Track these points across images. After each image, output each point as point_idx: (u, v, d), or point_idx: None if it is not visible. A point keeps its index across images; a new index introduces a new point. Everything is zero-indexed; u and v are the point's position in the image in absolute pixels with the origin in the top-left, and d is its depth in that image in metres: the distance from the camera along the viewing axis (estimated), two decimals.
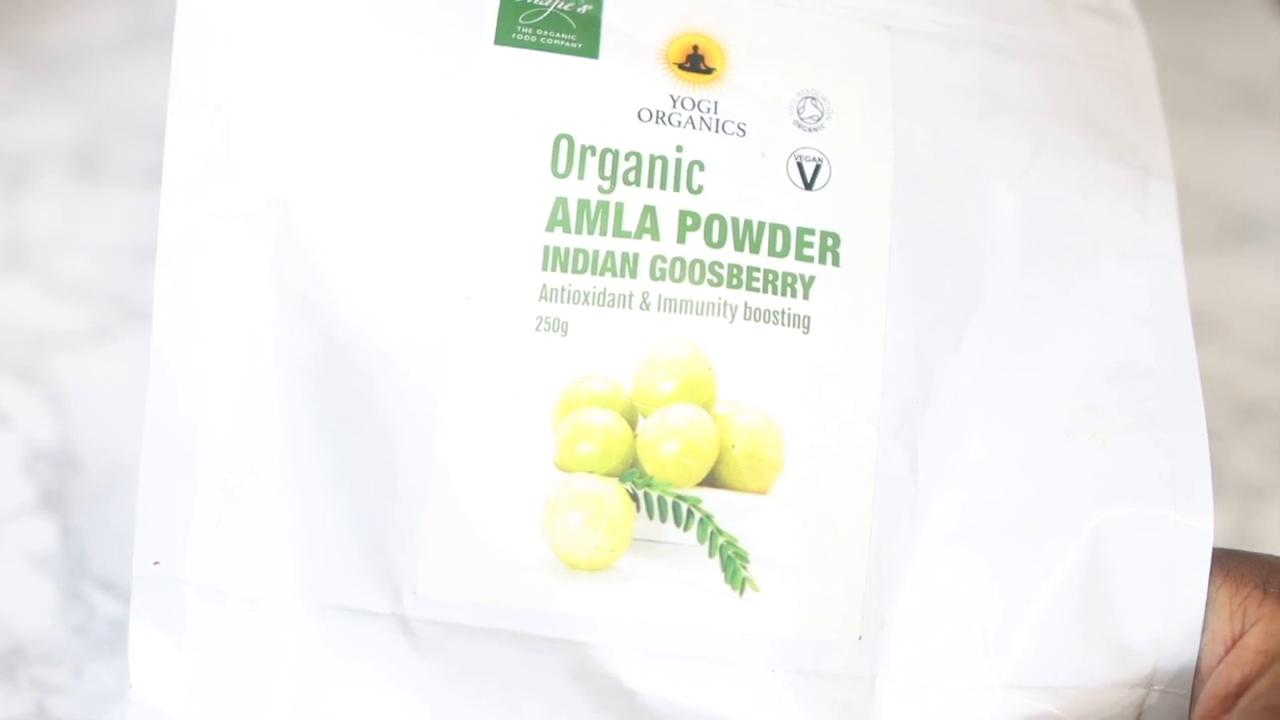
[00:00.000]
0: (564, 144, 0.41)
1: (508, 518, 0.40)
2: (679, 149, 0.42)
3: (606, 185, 0.41)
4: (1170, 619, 0.40)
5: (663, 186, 0.41)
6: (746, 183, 0.41)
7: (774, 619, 0.40)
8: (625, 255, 0.41)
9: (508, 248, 0.41)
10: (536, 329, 0.40)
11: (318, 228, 0.41)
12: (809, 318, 0.41)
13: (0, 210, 0.58)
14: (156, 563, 0.39)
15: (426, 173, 0.41)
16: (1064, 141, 0.44)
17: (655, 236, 0.41)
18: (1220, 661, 0.39)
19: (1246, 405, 0.59)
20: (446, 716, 0.39)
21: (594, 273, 0.41)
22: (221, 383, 0.40)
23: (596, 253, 0.41)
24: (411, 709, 0.39)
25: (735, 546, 0.40)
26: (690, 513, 0.40)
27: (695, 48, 0.43)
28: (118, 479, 0.51)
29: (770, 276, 0.41)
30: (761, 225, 0.41)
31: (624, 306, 0.40)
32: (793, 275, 0.41)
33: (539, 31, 0.42)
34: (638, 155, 0.41)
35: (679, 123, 0.42)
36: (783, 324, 0.41)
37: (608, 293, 0.41)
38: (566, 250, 0.41)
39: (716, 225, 0.41)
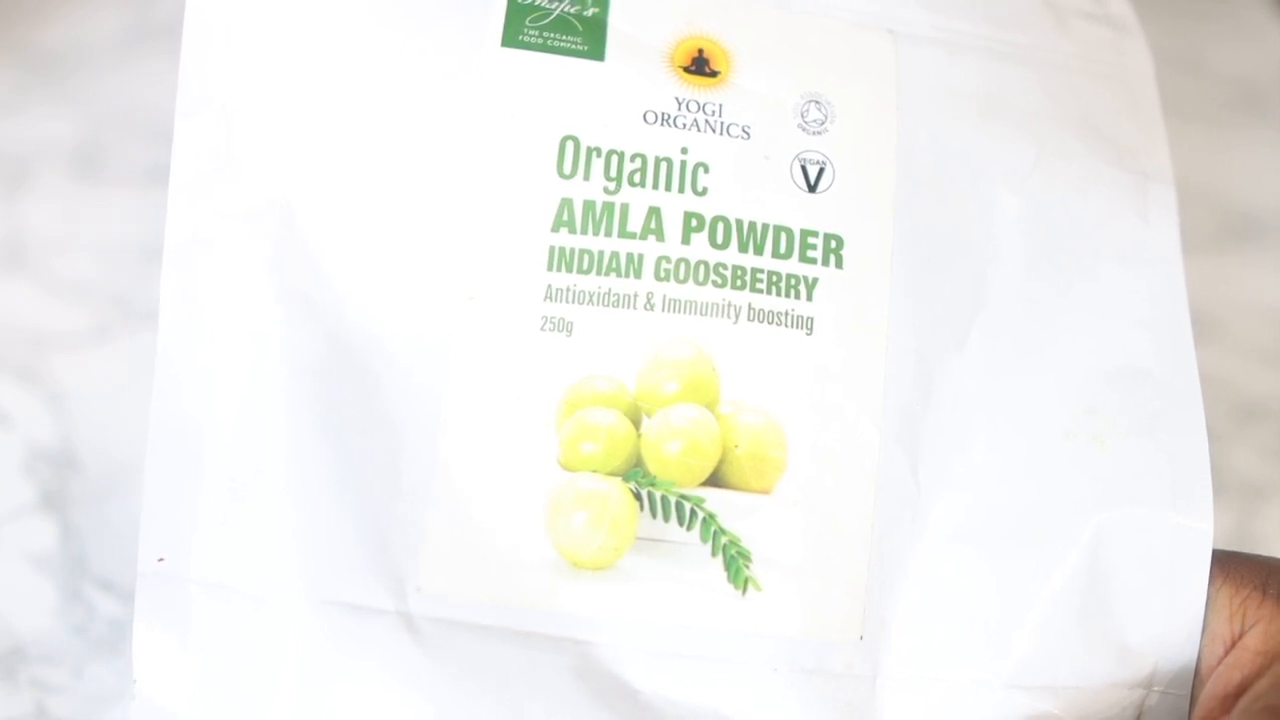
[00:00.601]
0: (569, 145, 0.41)
1: (511, 516, 0.40)
2: (684, 151, 0.42)
3: (612, 186, 0.41)
4: (1170, 620, 0.40)
5: (668, 188, 0.41)
6: (751, 185, 0.42)
7: (776, 618, 0.40)
8: (630, 256, 0.41)
9: (513, 248, 0.41)
10: (541, 329, 0.41)
11: (323, 228, 0.41)
12: (812, 319, 0.41)
13: (0, 210, 0.58)
14: (161, 559, 0.39)
15: (432, 173, 0.41)
16: (1065, 146, 0.44)
17: (660, 237, 0.41)
18: (1220, 662, 0.40)
19: (1246, 405, 0.59)
20: (450, 714, 0.39)
21: (599, 273, 0.41)
22: (226, 382, 0.40)
23: (601, 253, 0.41)
24: (415, 706, 0.39)
25: (738, 546, 0.40)
26: (693, 512, 0.40)
27: (700, 51, 0.43)
28: (118, 479, 0.51)
29: (774, 278, 0.41)
30: (765, 227, 0.42)
31: (628, 307, 0.41)
32: (796, 277, 0.41)
33: (545, 34, 0.42)
34: (643, 157, 0.42)
35: (684, 125, 0.42)
36: (786, 325, 0.41)
37: (612, 293, 0.41)
38: (571, 251, 0.41)
39: (721, 227, 0.41)
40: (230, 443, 0.40)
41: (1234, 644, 0.39)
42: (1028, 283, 0.42)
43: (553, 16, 0.42)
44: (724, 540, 0.40)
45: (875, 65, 0.44)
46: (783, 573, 0.40)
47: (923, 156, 0.43)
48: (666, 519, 0.40)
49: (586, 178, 0.41)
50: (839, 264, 0.42)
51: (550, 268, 0.41)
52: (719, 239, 0.41)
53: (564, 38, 0.42)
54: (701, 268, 0.41)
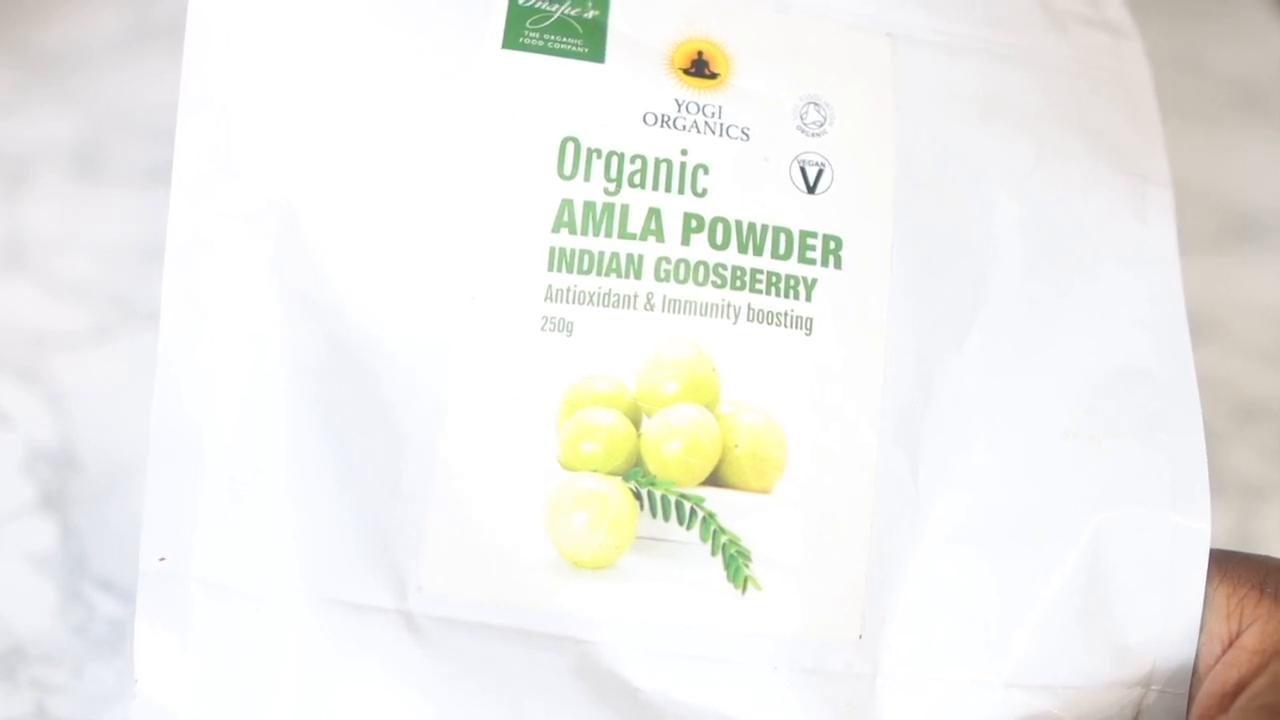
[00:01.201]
0: (570, 147, 0.42)
1: (512, 516, 0.40)
2: (684, 152, 0.42)
3: (612, 187, 0.41)
4: (1168, 619, 0.40)
5: (667, 189, 0.42)
6: (750, 186, 0.42)
7: (776, 618, 0.40)
8: (630, 256, 0.41)
9: (513, 248, 0.41)
10: (541, 329, 0.41)
11: (324, 228, 0.41)
12: (811, 319, 0.41)
13: (0, 210, 0.58)
14: (162, 559, 0.39)
15: (432, 174, 0.41)
16: (1064, 148, 0.44)
17: (660, 238, 0.41)
18: (1217, 661, 0.40)
19: (1246, 405, 0.59)
20: (450, 713, 0.39)
21: (599, 274, 0.41)
22: (227, 382, 0.40)
23: (601, 254, 0.41)
24: (415, 705, 0.39)
25: (738, 545, 0.40)
26: (693, 512, 0.40)
27: (700, 53, 0.43)
28: (118, 479, 0.51)
29: (773, 278, 0.41)
30: (765, 228, 0.42)
31: (628, 307, 0.41)
32: (795, 278, 0.41)
33: (546, 36, 0.42)
34: (643, 158, 0.42)
35: (684, 126, 0.42)
36: (785, 325, 0.41)
37: (612, 293, 0.41)
38: (572, 251, 0.41)
39: (720, 228, 0.42)
40: (231, 442, 0.40)
41: (1231, 643, 0.40)
42: (1027, 283, 0.43)
43: (553, 18, 0.43)
44: (724, 540, 0.40)
45: (874, 67, 0.44)
46: (782, 572, 0.40)
47: (922, 157, 0.43)
48: (666, 518, 0.40)
49: (587, 179, 0.41)
50: (838, 265, 0.42)
51: (551, 268, 0.41)
52: (719, 240, 0.41)
53: (564, 39, 0.42)
54: (701, 268, 0.41)
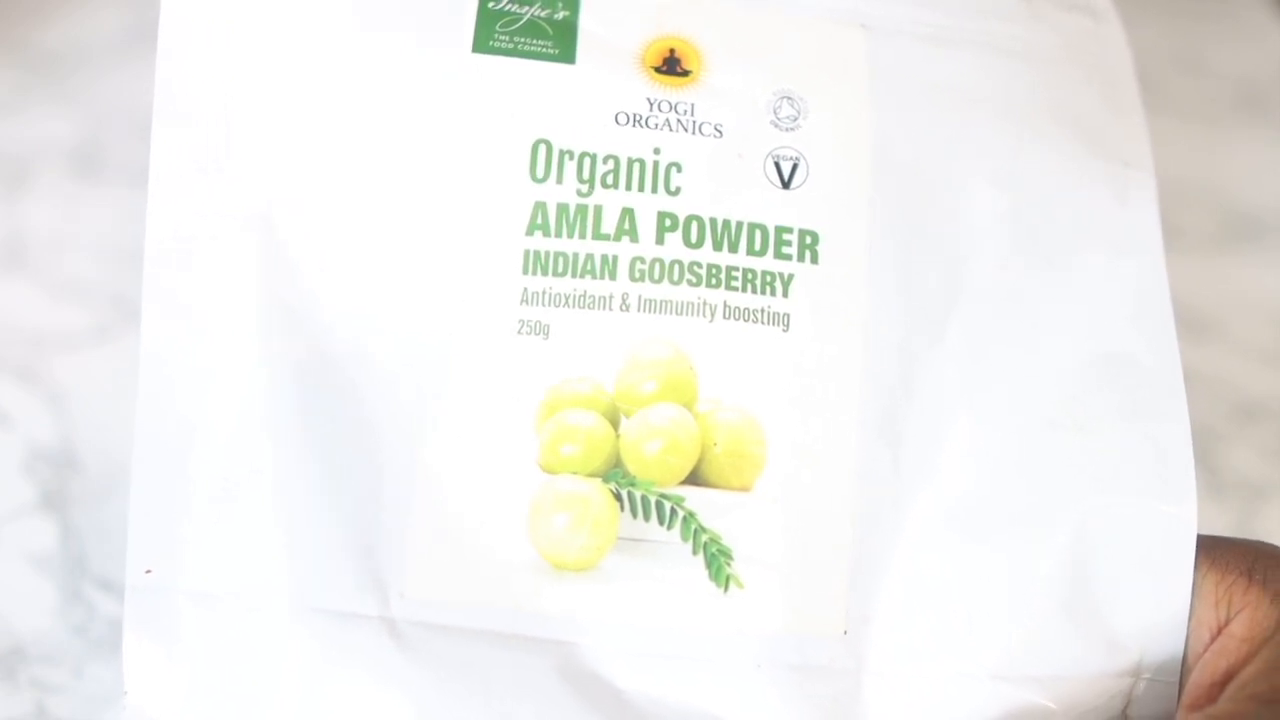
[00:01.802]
0: (542, 149, 0.42)
1: (493, 520, 0.40)
2: (656, 151, 0.42)
3: (585, 189, 0.41)
4: (1157, 607, 0.40)
5: (640, 189, 0.42)
6: (724, 183, 0.42)
7: (759, 615, 0.40)
8: (605, 257, 0.41)
9: (489, 252, 0.41)
10: (518, 332, 0.41)
11: (300, 235, 0.41)
12: (788, 315, 0.41)
13: (0, 210, 0.58)
14: (148, 571, 0.40)
15: (406, 180, 0.41)
16: (1043, 136, 0.44)
17: (634, 238, 0.41)
18: (1206, 649, 0.39)
19: (1246, 405, 0.59)
20: (436, 717, 0.39)
21: (574, 275, 0.41)
22: (208, 394, 0.40)
23: (576, 255, 0.41)
24: (402, 711, 0.39)
25: (719, 544, 0.40)
26: (674, 511, 0.40)
27: (672, 51, 0.43)
28: (118, 479, 0.50)
29: (749, 275, 0.41)
30: (739, 225, 0.42)
31: (604, 308, 0.41)
32: (771, 274, 0.41)
33: (516, 39, 0.42)
34: (615, 158, 0.42)
35: (656, 125, 0.42)
36: (762, 322, 0.41)
37: (588, 295, 0.41)
38: (546, 254, 0.41)
39: (694, 226, 0.41)
40: (214, 453, 0.40)
41: (1220, 630, 0.39)
42: (1009, 272, 0.42)
43: (523, 21, 0.43)
44: (704, 538, 0.40)
45: (848, 59, 0.44)
46: (764, 569, 0.40)
47: (899, 149, 0.43)
48: (647, 519, 0.40)
49: (559, 181, 0.41)
50: (814, 259, 0.42)
51: (526, 271, 0.41)
52: (693, 238, 0.41)
53: (534, 42, 0.42)
54: (676, 267, 0.41)
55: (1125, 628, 0.40)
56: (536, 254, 0.41)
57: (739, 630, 0.40)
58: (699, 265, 0.41)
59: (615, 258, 0.41)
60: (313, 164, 0.41)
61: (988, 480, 0.41)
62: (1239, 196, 0.66)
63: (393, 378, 0.40)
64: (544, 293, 0.41)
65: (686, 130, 0.42)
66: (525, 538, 0.40)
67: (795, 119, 0.43)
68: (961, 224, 0.43)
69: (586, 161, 0.42)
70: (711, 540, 0.40)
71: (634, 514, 0.40)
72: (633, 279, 0.41)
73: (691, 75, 0.43)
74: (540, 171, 0.41)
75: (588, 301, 0.41)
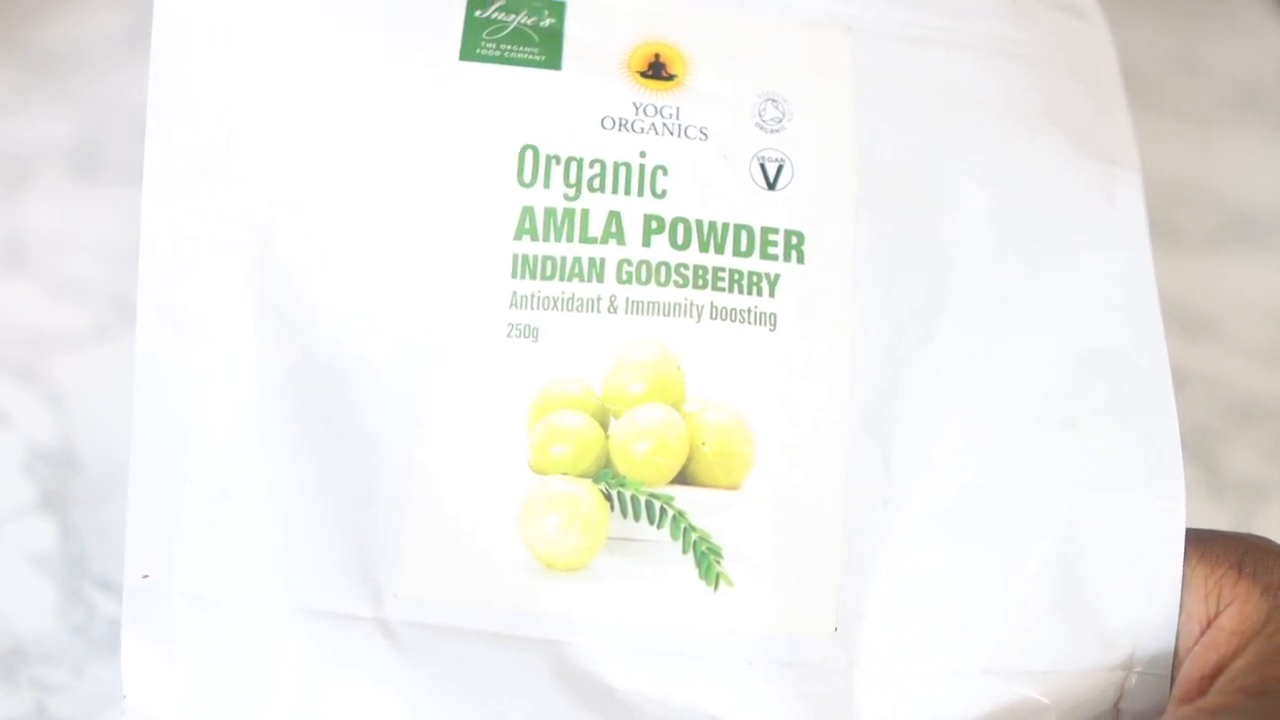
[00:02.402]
0: (529, 154, 0.42)
1: (486, 521, 0.40)
2: (642, 155, 0.42)
3: (572, 193, 0.42)
4: (1147, 601, 0.40)
5: (627, 192, 0.42)
6: (710, 185, 0.42)
7: (749, 613, 0.40)
8: (592, 260, 0.41)
9: (478, 257, 0.41)
10: (508, 335, 0.41)
11: (293, 239, 0.41)
12: (775, 315, 0.41)
13: (0, 210, 0.58)
14: (146, 575, 0.40)
15: (395, 187, 0.42)
16: (1030, 135, 0.44)
17: (621, 241, 0.42)
18: (1196, 642, 0.39)
19: (1246, 405, 0.59)
20: (431, 717, 0.39)
21: (562, 278, 0.41)
22: (205, 395, 0.41)
23: (564, 259, 0.41)
24: (396, 710, 0.39)
25: (709, 542, 0.40)
26: (663, 510, 0.40)
27: (657, 55, 0.43)
28: (118, 479, 0.50)
29: (735, 276, 0.42)
30: (725, 226, 0.42)
31: (592, 310, 0.41)
32: (758, 274, 0.42)
33: (503, 46, 0.43)
34: (602, 163, 0.42)
35: (642, 129, 0.42)
36: (749, 322, 0.41)
37: (576, 297, 0.41)
38: (534, 258, 0.41)
39: (681, 228, 0.42)
40: (209, 456, 0.40)
41: (1210, 624, 0.39)
42: (996, 270, 0.43)
43: (510, 28, 0.43)
44: (694, 537, 0.40)
45: (832, 61, 0.44)
46: (754, 568, 0.40)
47: (884, 149, 0.43)
48: (637, 518, 0.40)
49: (547, 185, 0.42)
50: (800, 259, 0.42)
51: (514, 275, 0.41)
52: (679, 240, 0.42)
53: (521, 49, 0.43)
54: (663, 269, 0.41)
55: (1116, 622, 0.40)
56: (525, 258, 0.41)
57: (730, 628, 0.40)
58: (685, 266, 0.41)
59: (602, 260, 0.41)
60: (305, 169, 0.42)
61: (978, 477, 0.41)
62: (1236, 196, 0.66)
63: (386, 381, 0.41)
64: (533, 296, 0.41)
65: (672, 134, 0.42)
66: (518, 538, 0.40)
67: (780, 121, 0.43)
68: (948, 223, 0.43)
69: (573, 166, 0.42)
70: (701, 539, 0.40)
71: (624, 514, 0.40)
72: (620, 281, 0.41)
73: (676, 79, 0.43)
74: (528, 176, 0.42)
75: (576, 304, 0.41)
